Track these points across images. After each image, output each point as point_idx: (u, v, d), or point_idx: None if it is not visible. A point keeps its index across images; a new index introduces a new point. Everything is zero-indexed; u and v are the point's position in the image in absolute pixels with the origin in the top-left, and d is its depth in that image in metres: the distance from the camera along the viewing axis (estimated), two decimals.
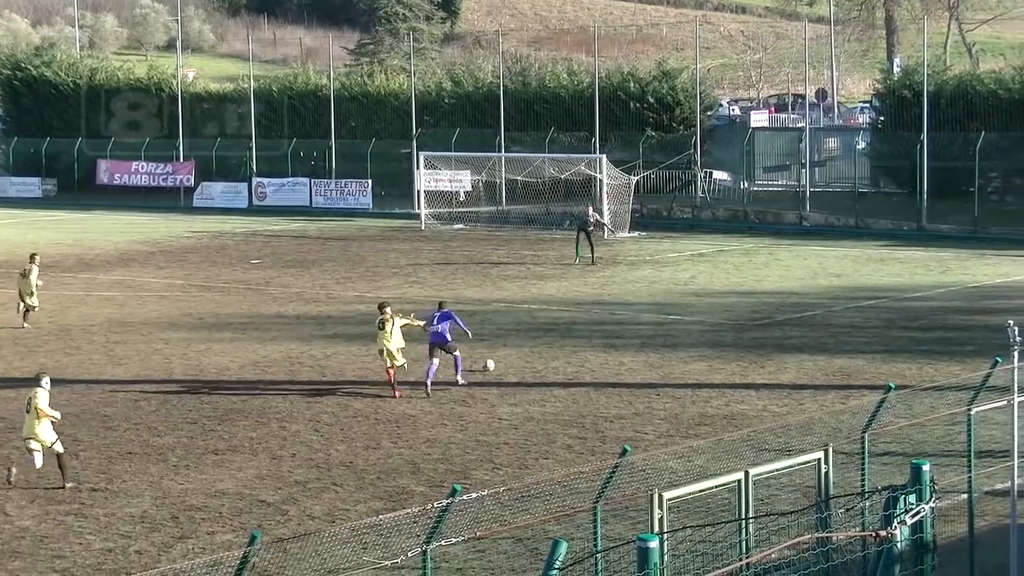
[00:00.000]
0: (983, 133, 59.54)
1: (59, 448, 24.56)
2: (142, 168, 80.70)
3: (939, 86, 63.18)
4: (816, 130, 72.59)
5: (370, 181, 73.10)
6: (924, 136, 59.59)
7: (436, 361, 31.33)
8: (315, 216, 71.23)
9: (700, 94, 69.23)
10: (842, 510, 17.44)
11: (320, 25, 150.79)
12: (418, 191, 66.94)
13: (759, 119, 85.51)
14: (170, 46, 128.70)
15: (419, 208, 66.32)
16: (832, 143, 73.30)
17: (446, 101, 76.45)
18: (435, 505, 14.91)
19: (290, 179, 75.97)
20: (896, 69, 76.69)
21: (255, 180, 76.80)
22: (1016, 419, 18.53)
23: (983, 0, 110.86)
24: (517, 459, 25.57)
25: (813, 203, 63.17)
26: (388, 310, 31.56)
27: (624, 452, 16.19)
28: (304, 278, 49.66)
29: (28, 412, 24.74)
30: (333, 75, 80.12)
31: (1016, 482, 18.92)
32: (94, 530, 22.14)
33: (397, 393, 30.77)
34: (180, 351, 36.48)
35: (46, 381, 25.08)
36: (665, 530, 15.33)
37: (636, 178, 62.93)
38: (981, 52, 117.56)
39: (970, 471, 19.23)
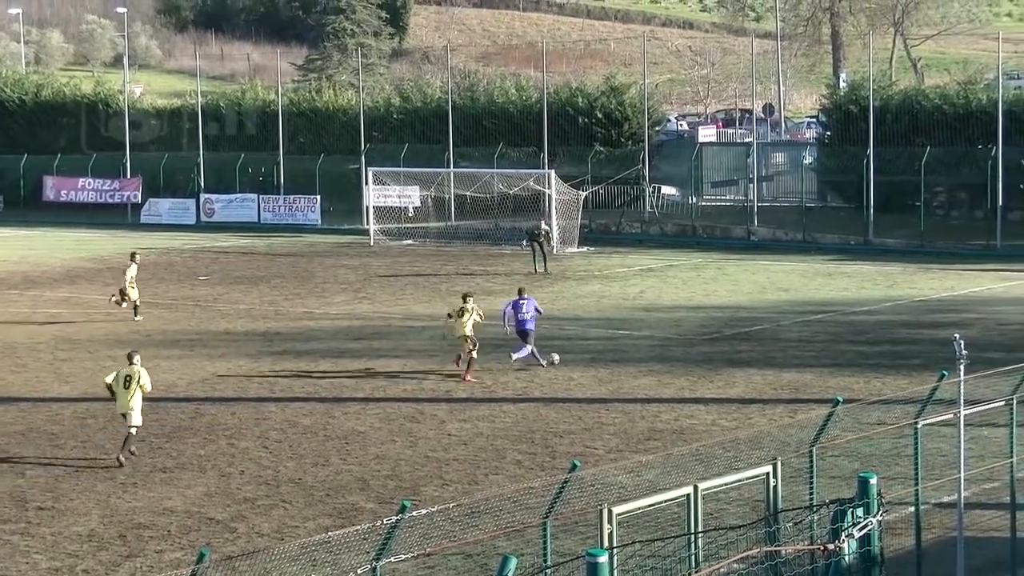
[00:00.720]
0: (928, 148, 59.99)
1: (135, 431, 26.80)
2: (89, 185, 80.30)
3: (885, 101, 63.62)
4: (763, 145, 72.97)
5: (319, 197, 73.00)
6: (870, 151, 59.97)
7: (524, 343, 34.56)
8: (264, 232, 71.06)
9: (648, 109, 69.46)
10: (790, 524, 17.49)
11: (268, 41, 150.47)
12: (367, 207, 66.87)
13: (707, 134, 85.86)
14: (117, 62, 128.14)
15: (368, 224, 66.23)
16: (779, 158, 73.67)
17: (395, 117, 76.47)
18: (385, 522, 14.87)
19: (238, 195, 75.76)
20: (842, 84, 77.16)
21: (203, 196, 76.56)
22: (963, 432, 18.65)
23: (928, 16, 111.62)
24: (467, 475, 25.54)
25: (761, 218, 63.45)
26: (470, 301, 34.66)
27: (574, 467, 16.19)
28: (253, 294, 49.50)
29: (126, 388, 26.89)
30: (281, 91, 80.00)
31: (963, 495, 19.04)
32: (40, 549, 21.97)
33: (469, 378, 33.50)
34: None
35: (138, 358, 27.53)
36: (615, 545, 15.34)
37: (585, 193, 63.08)
38: (926, 67, 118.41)
39: (917, 484, 19.33)
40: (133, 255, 45.43)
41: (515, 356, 34.70)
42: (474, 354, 33.86)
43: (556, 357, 35.08)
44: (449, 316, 35.38)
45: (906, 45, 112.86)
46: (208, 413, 30.86)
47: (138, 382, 27.06)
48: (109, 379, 27.53)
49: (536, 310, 35.19)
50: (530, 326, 34.78)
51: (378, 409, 30.90)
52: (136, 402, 26.91)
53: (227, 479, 25.64)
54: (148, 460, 27.02)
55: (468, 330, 34.05)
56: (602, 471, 23.28)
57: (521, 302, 35.11)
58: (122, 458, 26.51)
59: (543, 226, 55.43)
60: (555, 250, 57.58)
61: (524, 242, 55.02)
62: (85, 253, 63.08)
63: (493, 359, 36.38)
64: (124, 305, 44.01)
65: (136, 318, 43.76)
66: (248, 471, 26.15)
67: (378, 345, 38.97)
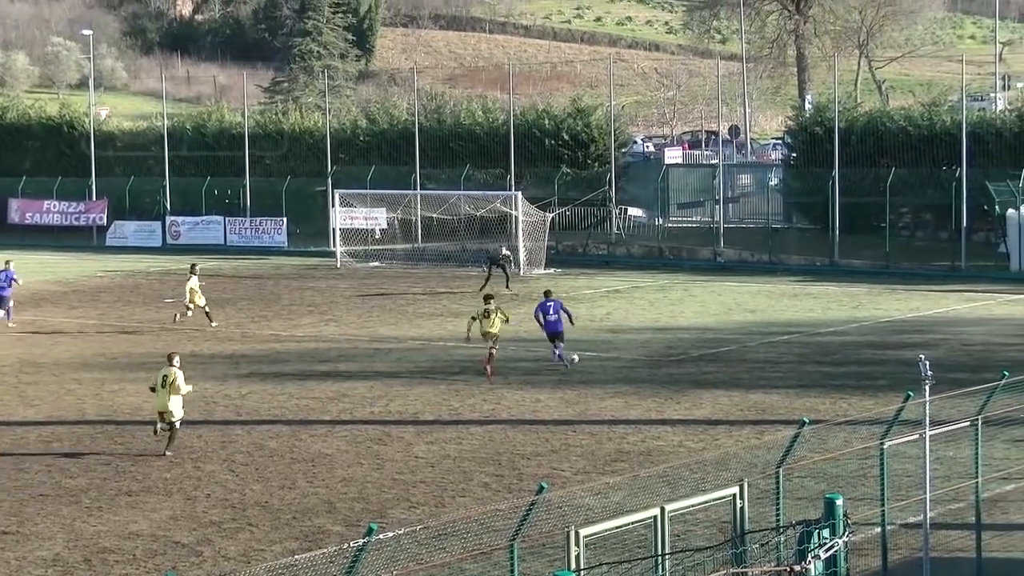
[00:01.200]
0: (893, 169, 60.21)
1: (179, 424, 29.00)
2: (54, 207, 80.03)
3: (850, 123, 63.87)
4: (729, 166, 73.19)
5: (285, 219, 72.91)
6: (836, 172, 60.19)
7: (558, 343, 36.94)
8: (230, 254, 70.87)
9: (614, 131, 69.57)
10: (757, 545, 17.51)
11: (234, 63, 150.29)
12: (333, 229, 66.78)
13: (673, 156, 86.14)
14: (82, 84, 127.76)
15: (334, 246, 66.14)
16: (745, 179, 73.90)
17: (361, 139, 76.46)
18: (351, 544, 14.83)
19: (204, 217, 75.60)
20: (808, 106, 77.47)
21: (169, 219, 76.37)
22: (928, 453, 18.71)
23: (892, 38, 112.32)
24: (434, 497, 25.50)
25: (727, 239, 63.60)
26: (493, 303, 37.67)
27: (541, 489, 16.17)
28: (219, 317, 49.34)
29: (163, 387, 28.90)
30: (247, 113, 79.90)
31: (929, 515, 19.09)
32: (5, 574, 21.82)
33: (491, 379, 35.90)
34: (93, 391, 36.14)
35: (178, 360, 29.46)
36: (582, 567, 15.33)
37: (551, 215, 63.16)
38: (891, 89, 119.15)
39: (883, 505, 19.38)
40: (193, 266, 47.83)
41: (557, 354, 37.18)
42: (494, 351, 36.60)
43: (576, 357, 37.27)
44: (473, 319, 37.85)
45: (871, 67, 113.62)
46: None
47: (172, 382, 29.03)
48: (151, 383, 30.03)
49: (565, 311, 37.55)
50: (560, 327, 37.16)
51: (345, 431, 30.85)
52: (174, 403, 28.97)
53: (193, 502, 25.54)
54: (114, 484, 26.90)
55: (496, 328, 36.99)
56: (569, 493, 23.27)
57: (548, 304, 37.61)
58: (169, 452, 28.87)
59: (504, 251, 55.66)
60: (520, 272, 57.64)
61: (484, 265, 55.10)
62: (50, 276, 62.79)
63: (459, 381, 36.37)
64: (190, 314, 46.11)
65: (212, 324, 46.16)
66: (214, 494, 26.06)
67: (345, 368, 38.90)
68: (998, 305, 48.89)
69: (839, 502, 17.62)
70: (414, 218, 67.26)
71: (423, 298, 53.47)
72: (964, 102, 61.76)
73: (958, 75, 68.56)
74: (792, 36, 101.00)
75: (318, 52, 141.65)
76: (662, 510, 16.54)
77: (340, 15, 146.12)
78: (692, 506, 17.45)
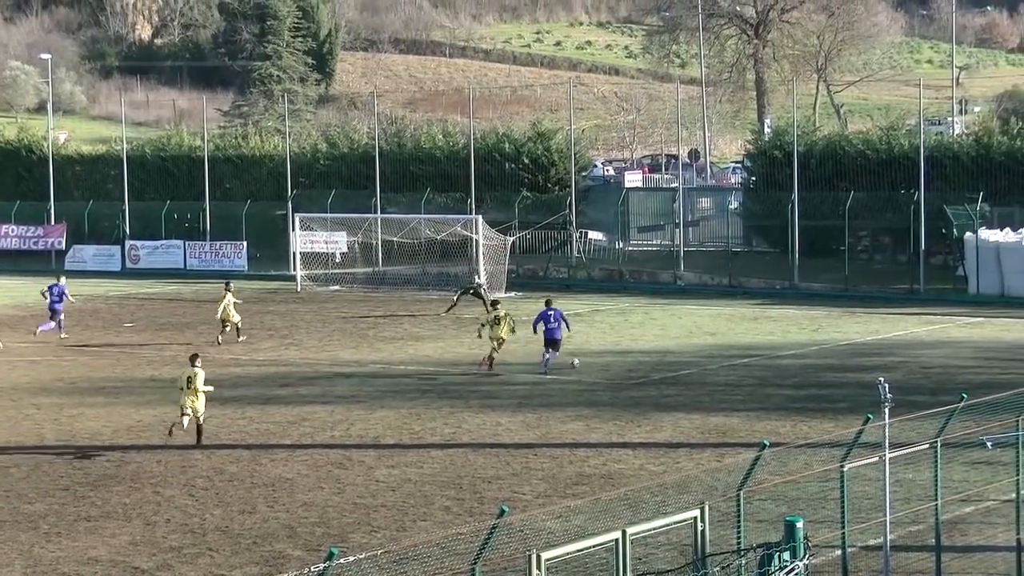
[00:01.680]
0: (852, 192, 60.50)
1: (202, 420, 31.83)
2: (12, 231, 79.65)
3: (809, 146, 64.18)
4: (689, 190, 73.44)
5: (245, 243, 72.76)
6: (795, 195, 60.44)
7: (551, 351, 39.92)
8: (190, 278, 70.62)
9: (575, 155, 69.69)
10: (718, 568, 17.54)
11: (194, 87, 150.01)
12: (294, 252, 66.64)
13: (633, 179, 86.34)
14: (41, 108, 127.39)
15: (295, 270, 66.00)
16: (705, 203, 74.13)
17: (321, 162, 76.41)
18: (312, 569, 14.81)
19: (164, 241, 75.37)
20: (767, 130, 77.79)
21: (128, 243, 76.09)
22: (888, 475, 18.78)
23: (850, 63, 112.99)
24: (395, 521, 25.45)
25: (687, 262, 63.75)
26: (501, 309, 41.66)
27: (502, 513, 16.16)
28: (179, 341, 49.19)
29: (186, 388, 31.62)
30: (207, 137, 79.75)
31: (889, 537, 19.16)
32: None
33: (485, 366, 40.72)
34: (52, 416, 35.94)
35: (200, 362, 32.33)
36: None
37: (512, 238, 63.20)
38: (849, 113, 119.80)
39: (844, 527, 19.44)
40: (227, 283, 49.68)
41: (547, 359, 40.12)
42: (496, 355, 40.52)
43: (576, 361, 40.73)
44: (483, 325, 42.10)
45: (829, 91, 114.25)
46: (133, 461, 30.60)
47: (198, 378, 31.98)
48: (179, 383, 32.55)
49: (564, 320, 40.43)
50: (559, 335, 40.03)
51: (305, 456, 30.77)
52: (199, 402, 31.72)
53: (152, 527, 25.42)
54: (73, 509, 26.75)
55: (505, 334, 40.86)
56: (530, 516, 23.25)
57: (549, 312, 40.23)
58: (201, 440, 31.94)
59: (477, 279, 55.89)
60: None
61: (458, 294, 54.92)
62: (8, 300, 62.47)
63: (420, 405, 36.33)
64: (227, 330, 47.54)
65: (240, 338, 47.58)
66: (174, 519, 25.94)
67: (305, 392, 38.80)
68: (956, 328, 49.14)
69: (799, 524, 17.68)
70: (375, 242, 67.21)
71: (384, 322, 53.41)
72: (922, 126, 62.21)
73: (916, 99, 68.99)
74: (751, 60, 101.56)
75: (278, 76, 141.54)
76: (623, 533, 16.55)
77: (300, 39, 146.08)
78: (653, 529, 17.46)
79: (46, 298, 50.53)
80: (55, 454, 31.59)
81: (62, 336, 49.68)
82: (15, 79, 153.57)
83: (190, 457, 30.87)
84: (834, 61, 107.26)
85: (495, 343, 40.95)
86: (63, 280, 51.75)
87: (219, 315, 47.95)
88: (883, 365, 39.84)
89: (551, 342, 40.10)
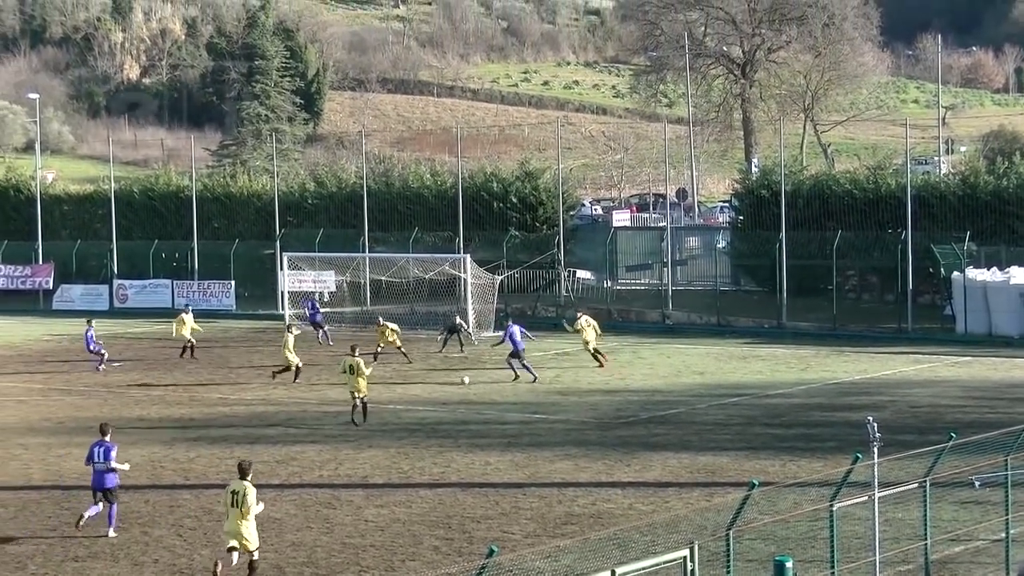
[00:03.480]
0: (839, 232, 60.59)
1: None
2: (0, 271, 79.54)
3: (796, 186, 64.31)
4: (677, 229, 73.53)
5: (233, 282, 72.74)
6: (782, 235, 60.53)
7: (515, 361, 46.39)
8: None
9: (563, 194, 69.76)
10: None
11: (182, 126, 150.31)
12: (282, 292, 66.59)
13: (621, 218, 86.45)
14: (29, 147, 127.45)
15: (283, 309, 65.93)
16: (693, 242, 74.23)
17: (309, 202, 76.48)
18: None
19: (152, 280, 75.33)
20: (754, 169, 77.97)
21: (116, 282, 76.03)
22: (877, 514, 18.79)
23: (837, 103, 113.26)
24: (384, 561, 25.39)
25: (675, 301, 63.78)
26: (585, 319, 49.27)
27: (491, 553, 16.15)
28: (166, 380, 49.12)
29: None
30: (195, 176, 79.79)
31: None
32: None
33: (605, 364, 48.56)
34: (39, 456, 35.85)
35: (359, 352, 37.80)
36: None
37: (500, 277, 63.20)
38: (836, 153, 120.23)
39: (833, 566, 19.44)
40: (290, 326, 51.65)
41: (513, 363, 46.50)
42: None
43: (466, 379, 46.73)
44: (574, 330, 49.85)
45: (816, 131, 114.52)
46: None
47: (357, 370, 37.63)
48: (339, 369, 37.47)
49: (527, 334, 48.90)
50: (522, 346, 47.04)
51: (294, 495, 30.70)
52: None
53: (140, 568, 25.34)
54: (60, 549, 26.66)
55: (591, 338, 49.15)
56: (519, 556, 23.21)
57: (511, 330, 47.34)
58: (356, 421, 37.70)
59: (457, 319, 55.93)
60: (472, 337, 57.66)
61: (442, 336, 55.08)
62: None
63: (408, 444, 36.29)
64: (285, 371, 47.89)
65: (275, 377, 48.19)
66: (162, 559, 25.86)
67: (294, 431, 38.74)
68: (945, 367, 49.19)
69: (789, 564, 17.68)
70: (363, 281, 67.16)
71: (372, 361, 53.28)
72: (908, 166, 62.34)
73: (902, 139, 69.18)
74: (738, 100, 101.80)
75: (266, 115, 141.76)
76: (613, 573, 16.55)
77: (288, 79, 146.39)
78: (643, 569, 17.45)
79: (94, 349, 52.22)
80: (43, 494, 31.49)
81: (115, 364, 52.20)
82: (2, 118, 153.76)
83: (178, 497, 30.80)
84: (821, 101, 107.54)
85: (592, 347, 48.57)
86: (91, 324, 53.16)
87: (285, 353, 48.00)
88: (871, 404, 39.86)
89: (516, 353, 46.77)
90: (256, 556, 24.07)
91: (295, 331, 49.97)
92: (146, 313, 71.97)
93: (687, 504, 28.83)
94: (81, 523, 27.39)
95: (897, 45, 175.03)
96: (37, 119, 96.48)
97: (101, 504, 27.40)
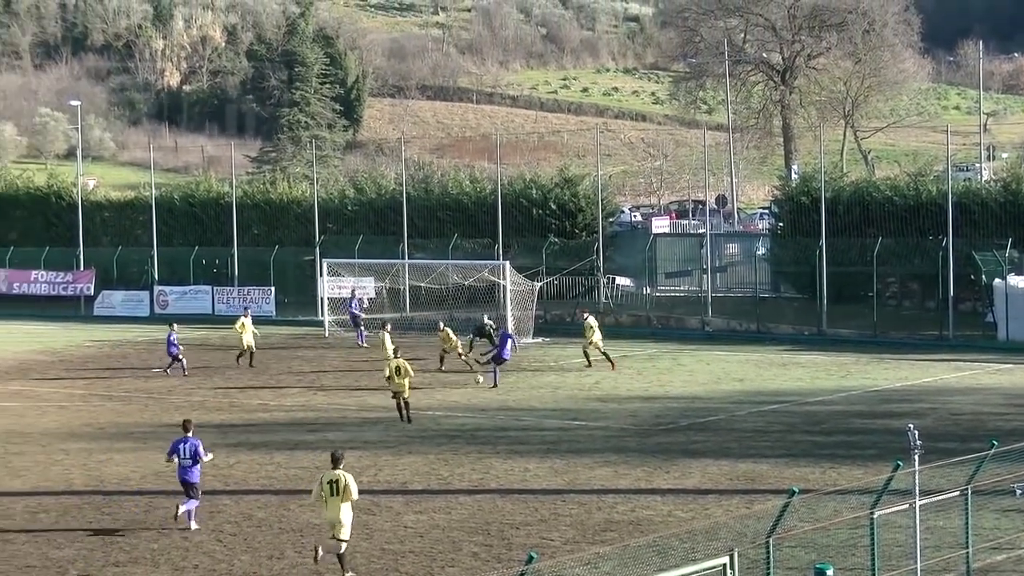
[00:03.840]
0: (880, 239, 60.38)
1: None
2: (41, 277, 80.00)
3: (836, 192, 64.11)
4: (717, 236, 73.36)
5: (273, 288, 72.95)
6: (823, 241, 60.34)
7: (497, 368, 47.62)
8: (218, 323, 70.67)
9: (602, 200, 69.77)
10: None
11: (222, 133, 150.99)
12: (321, 298, 66.77)
13: (660, 225, 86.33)
14: (70, 154, 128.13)
15: (322, 315, 66.13)
16: (732, 249, 74.08)
17: (349, 208, 76.65)
18: None
19: (192, 287, 75.62)
20: (794, 176, 77.73)
21: (157, 288, 76.36)
22: (918, 522, 18.70)
23: (877, 109, 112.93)
24: (423, 567, 25.41)
25: (715, 308, 63.68)
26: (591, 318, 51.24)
27: (530, 559, 16.14)
28: (206, 386, 49.29)
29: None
30: (235, 183, 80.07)
31: None
32: None
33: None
34: (80, 461, 36.01)
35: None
36: None
37: (539, 284, 63.19)
38: (877, 159, 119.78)
39: (874, 574, 19.34)
40: (384, 324, 53.43)
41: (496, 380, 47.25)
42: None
43: (480, 378, 47.67)
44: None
45: (856, 137, 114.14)
46: (162, 507, 30.60)
47: (404, 371, 39.97)
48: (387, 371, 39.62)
49: (515, 341, 51.03)
50: (508, 356, 48.54)
51: None
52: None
53: (181, 573, 25.42)
54: (101, 554, 26.78)
55: (598, 339, 50.64)
56: (559, 563, 23.19)
57: (505, 337, 48.99)
58: (407, 419, 39.65)
59: (487, 320, 55.72)
60: (518, 343, 57.60)
61: (473, 338, 54.94)
62: (37, 345, 62.74)
63: (447, 450, 36.31)
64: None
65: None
66: (202, 565, 25.94)
67: (333, 437, 38.77)
68: (986, 374, 48.95)
69: (829, 572, 17.62)
70: (402, 287, 67.28)
71: (411, 366, 53.26)
72: (949, 172, 62.05)
73: (943, 145, 68.95)
74: (778, 106, 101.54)
75: (306, 122, 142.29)
76: None
77: (328, 86, 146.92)
78: None
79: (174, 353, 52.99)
80: (83, 500, 31.64)
81: (185, 375, 52.32)
82: (45, 126, 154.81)
83: (218, 502, 30.88)
84: (861, 107, 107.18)
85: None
86: (174, 328, 53.96)
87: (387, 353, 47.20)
88: (912, 412, 39.69)
89: (499, 359, 48.26)
90: (344, 548, 24.79)
91: (389, 327, 52.04)
92: (187, 319, 72.13)
93: (727, 511, 28.75)
94: (177, 515, 28.29)
95: (938, 51, 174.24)
96: (79, 126, 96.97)
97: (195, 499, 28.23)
